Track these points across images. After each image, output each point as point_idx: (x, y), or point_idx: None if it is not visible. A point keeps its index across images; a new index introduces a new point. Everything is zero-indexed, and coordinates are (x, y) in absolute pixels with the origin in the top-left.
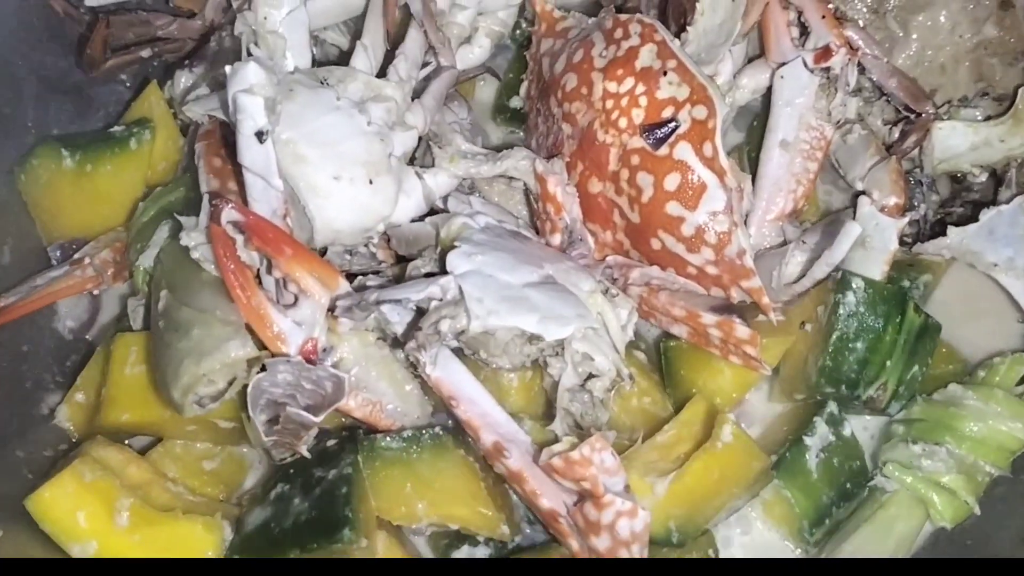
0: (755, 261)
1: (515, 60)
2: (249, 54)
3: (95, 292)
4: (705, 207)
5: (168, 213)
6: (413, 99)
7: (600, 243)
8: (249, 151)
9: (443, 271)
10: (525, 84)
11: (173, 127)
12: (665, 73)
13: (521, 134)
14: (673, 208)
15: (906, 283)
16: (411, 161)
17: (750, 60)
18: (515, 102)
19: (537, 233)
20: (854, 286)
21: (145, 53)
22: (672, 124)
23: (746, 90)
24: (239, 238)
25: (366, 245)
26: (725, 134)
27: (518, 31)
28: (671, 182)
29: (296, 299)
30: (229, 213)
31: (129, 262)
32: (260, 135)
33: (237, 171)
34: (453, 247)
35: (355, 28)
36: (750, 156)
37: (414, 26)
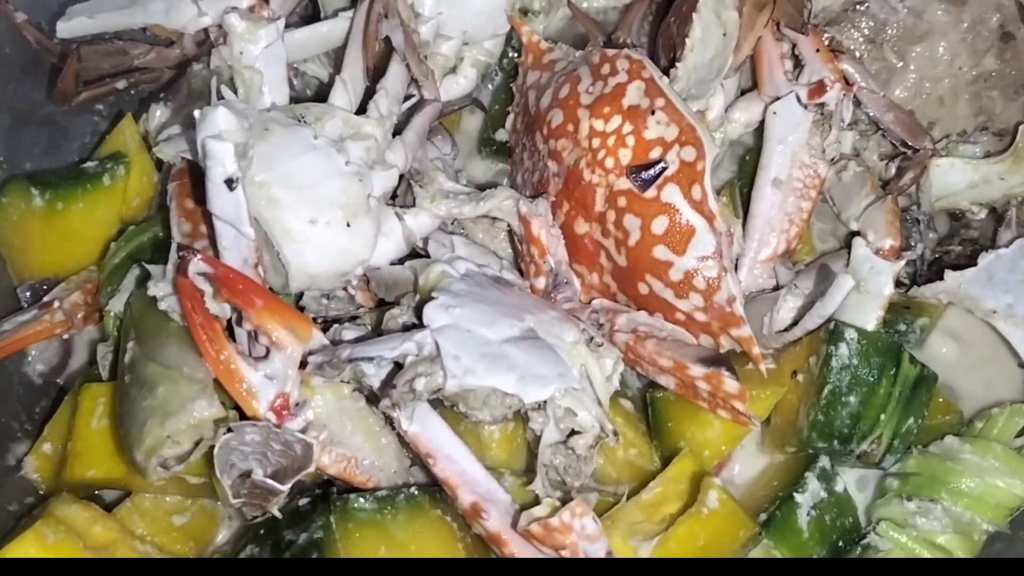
0: (746, 306)
1: (501, 91)
2: (220, 96)
3: (65, 337)
4: (694, 252)
5: (140, 254)
6: (395, 135)
7: (587, 285)
8: (219, 199)
9: (420, 322)
10: (511, 117)
11: (148, 162)
12: (653, 112)
13: (507, 167)
14: (661, 252)
15: (902, 327)
16: (393, 197)
17: (742, 92)
18: (501, 135)
19: (521, 274)
20: (847, 337)
21: (120, 84)
22: (660, 166)
23: (738, 124)
24: (208, 289)
25: (344, 288)
26: (716, 169)
27: (505, 59)
28: (659, 225)
29: (268, 351)
30: (197, 265)
31: (100, 305)
32: (230, 182)
33: (209, 214)
34: (431, 298)
35: (336, 59)
36: (742, 192)
37: (396, 59)
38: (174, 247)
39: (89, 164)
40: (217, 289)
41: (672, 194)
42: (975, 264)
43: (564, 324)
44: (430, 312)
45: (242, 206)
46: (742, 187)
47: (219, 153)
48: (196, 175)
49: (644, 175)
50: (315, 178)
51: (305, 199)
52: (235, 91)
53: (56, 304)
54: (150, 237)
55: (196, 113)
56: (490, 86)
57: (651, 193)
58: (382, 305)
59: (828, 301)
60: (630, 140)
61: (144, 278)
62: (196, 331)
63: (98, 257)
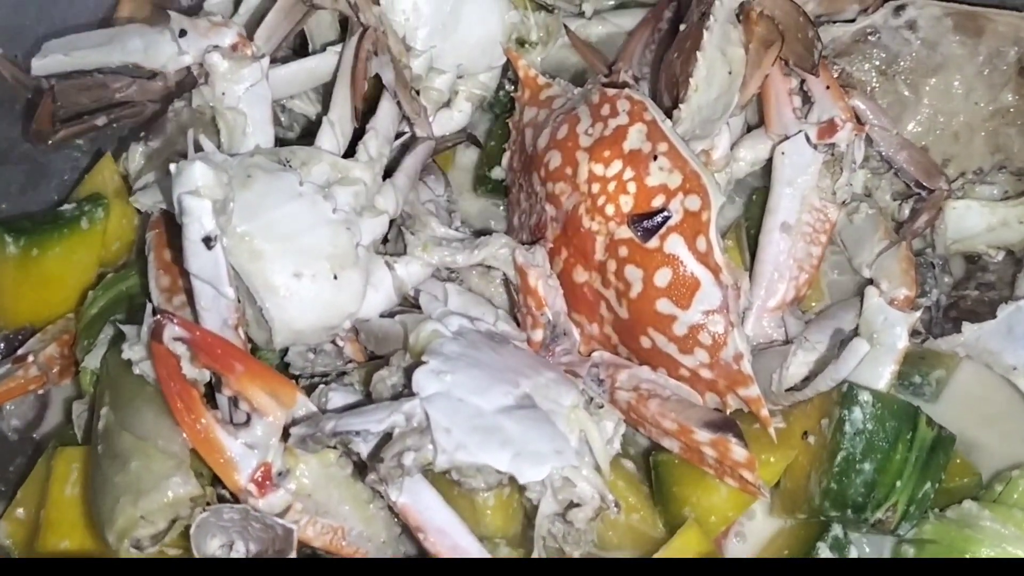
0: (754, 359)
1: (497, 126)
2: (199, 147)
3: (40, 392)
4: (699, 306)
5: (119, 305)
6: (385, 177)
7: (586, 335)
8: (196, 258)
9: (410, 385)
10: (507, 155)
11: (128, 203)
12: (655, 158)
13: (503, 205)
14: (664, 306)
15: (917, 379)
16: (384, 242)
17: (749, 128)
18: (497, 172)
19: (518, 324)
20: (861, 401)
21: (100, 121)
22: (663, 215)
23: (744, 163)
24: (185, 353)
25: (332, 341)
26: (722, 208)
27: (501, 91)
28: (661, 278)
29: (249, 418)
30: (172, 330)
31: (77, 358)
32: (208, 240)
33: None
34: (421, 362)
35: (324, 95)
36: (749, 233)
37: (386, 96)
38: (149, 308)
39: (66, 207)
40: (195, 354)
41: (676, 245)
42: (993, 313)
43: (562, 386)
44: (420, 379)
45: (221, 265)
46: (749, 227)
47: (196, 210)
48: (174, 226)
49: (646, 224)
50: (300, 228)
51: (289, 251)
52: (217, 132)
53: (31, 358)
54: (129, 286)
55: (172, 167)
56: (487, 123)
57: (653, 243)
58: (373, 359)
59: (841, 366)
60: (631, 186)
61: (119, 338)
62: (172, 399)
63: (76, 304)
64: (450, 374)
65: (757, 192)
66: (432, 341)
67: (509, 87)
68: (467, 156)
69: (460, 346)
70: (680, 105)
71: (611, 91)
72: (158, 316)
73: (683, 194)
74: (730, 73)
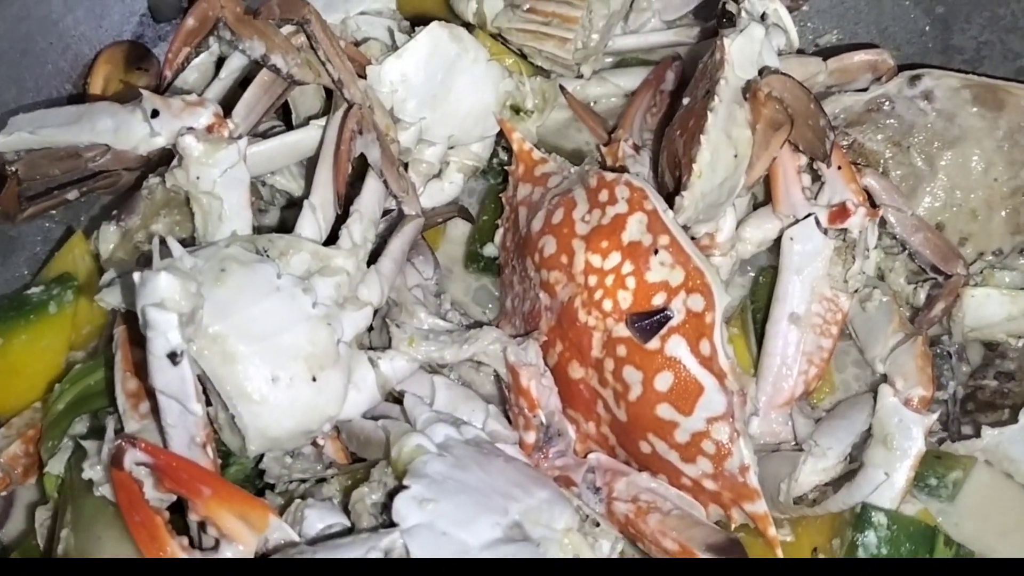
0: (761, 463)
1: (490, 199)
2: (167, 250)
3: (3, 494)
4: (702, 412)
5: (87, 402)
6: (371, 259)
7: (582, 434)
8: (161, 374)
9: (391, 507)
10: (500, 232)
11: None
12: (656, 251)
13: (494, 289)
14: (665, 411)
15: (932, 481)
16: (369, 329)
17: (755, 206)
18: (489, 250)
19: (509, 421)
20: (875, 523)
21: (72, 195)
22: (664, 314)
23: (751, 244)
24: (148, 479)
25: (312, 442)
26: (727, 286)
27: (495, 159)
28: (662, 382)
29: (217, 543)
30: (134, 455)
31: (41, 459)
32: (173, 356)
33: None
34: (403, 486)
35: (308, 168)
36: (755, 318)
37: (372, 175)
38: (111, 429)
39: (33, 290)
40: (159, 479)
41: (677, 347)
42: (1012, 408)
43: (555, 507)
44: (401, 508)
45: (188, 381)
46: (755, 311)
47: (161, 324)
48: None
49: (646, 324)
50: (277, 326)
51: (265, 352)
52: (192, 215)
53: None
54: (97, 380)
55: (136, 276)
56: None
57: (654, 345)
58: (356, 459)
59: (855, 491)
60: (630, 282)
61: (81, 455)
62: (134, 528)
63: (44, 391)
64: (433, 503)
65: (764, 272)
66: (415, 458)
67: (503, 155)
68: (459, 228)
69: (445, 466)
70: (683, 192)
71: (609, 176)
72: (119, 441)
73: (686, 293)
74: (735, 156)
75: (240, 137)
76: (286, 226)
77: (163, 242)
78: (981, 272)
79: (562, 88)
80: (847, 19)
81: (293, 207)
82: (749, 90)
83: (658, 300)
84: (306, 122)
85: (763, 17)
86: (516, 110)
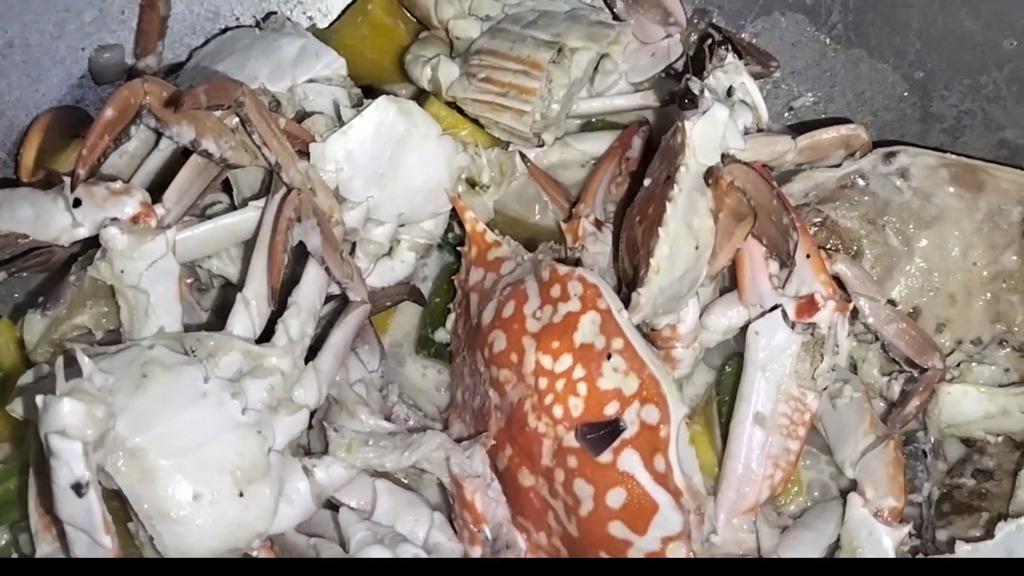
0: None
1: (443, 280)
2: (73, 368)
3: None
4: (656, 532)
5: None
6: (311, 355)
7: (533, 544)
8: (66, 505)
9: None
10: (452, 317)
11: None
12: (609, 356)
13: (446, 375)
14: (617, 529)
15: None
16: (310, 428)
17: (720, 292)
18: (441, 335)
19: (455, 531)
20: None
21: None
22: (615, 426)
23: (716, 332)
24: None
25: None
26: (692, 374)
27: (451, 234)
28: (614, 498)
29: None
30: None
31: None
32: (78, 488)
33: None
34: None
35: (246, 250)
36: (720, 411)
37: (312, 263)
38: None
39: None
40: None
41: (630, 462)
42: (991, 512)
43: None
44: None
45: (96, 514)
46: (720, 403)
47: (65, 454)
48: None
49: (597, 435)
50: (202, 437)
51: (188, 466)
52: (117, 308)
53: None
54: (16, 486)
55: (39, 400)
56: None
57: (606, 458)
58: None
59: None
60: (582, 388)
61: None
62: None
63: None
64: None
65: (731, 360)
66: None
67: (459, 229)
68: (411, 307)
69: None
70: (639, 289)
71: (563, 269)
72: None
73: (640, 403)
74: (697, 248)
75: (169, 226)
76: (227, 304)
77: (72, 356)
78: (959, 365)
79: (523, 156)
80: (823, 81)
81: (234, 286)
82: (711, 176)
83: (610, 410)
84: (244, 203)
85: (729, 92)
86: (472, 184)
